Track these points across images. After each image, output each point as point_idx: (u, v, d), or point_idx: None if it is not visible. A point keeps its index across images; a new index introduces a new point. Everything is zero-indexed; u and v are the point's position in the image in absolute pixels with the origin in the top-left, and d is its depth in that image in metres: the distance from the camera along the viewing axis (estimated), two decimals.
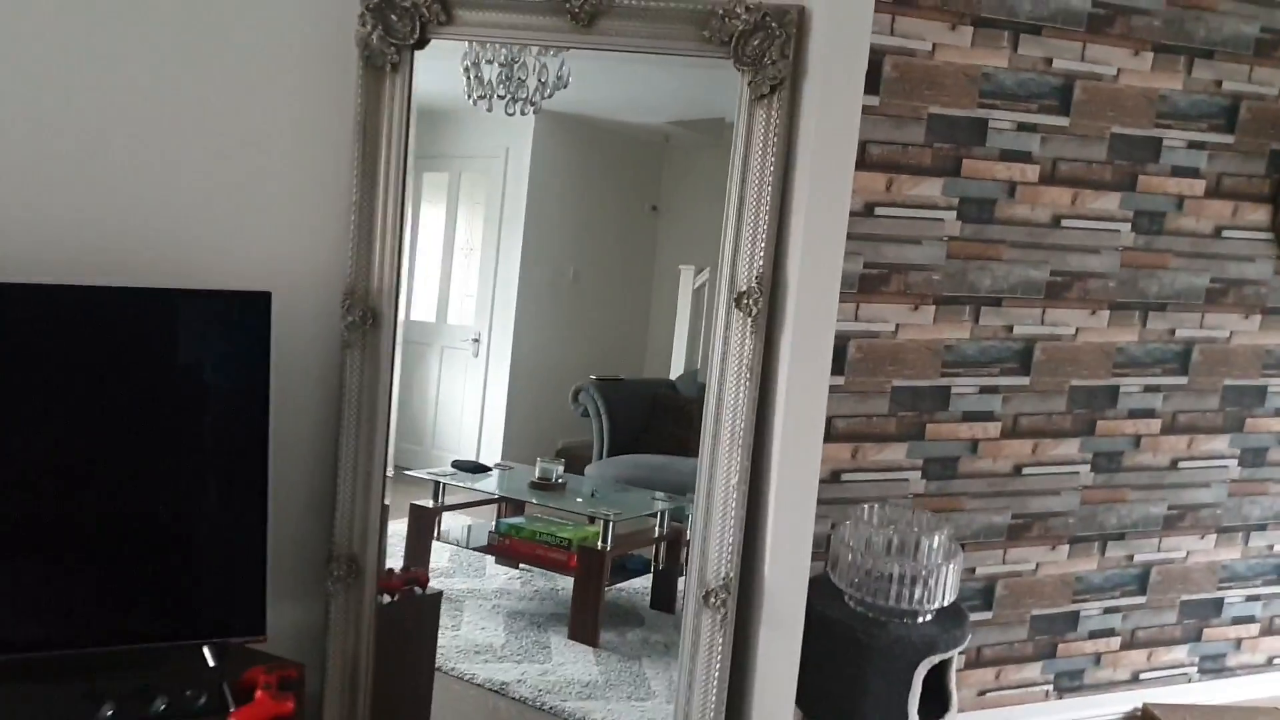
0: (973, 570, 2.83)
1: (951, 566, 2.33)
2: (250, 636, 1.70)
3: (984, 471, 2.78)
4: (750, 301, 2.05)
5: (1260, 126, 2.89)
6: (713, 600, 2.07)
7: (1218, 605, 3.18)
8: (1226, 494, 3.11)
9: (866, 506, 2.47)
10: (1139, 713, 3.05)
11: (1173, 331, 2.92)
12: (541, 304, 3.33)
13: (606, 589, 3.00)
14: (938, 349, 2.66)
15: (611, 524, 2.96)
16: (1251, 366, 3.05)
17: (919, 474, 2.72)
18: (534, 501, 3.14)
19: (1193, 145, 2.82)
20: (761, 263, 2.05)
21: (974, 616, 2.84)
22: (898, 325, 2.60)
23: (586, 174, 3.26)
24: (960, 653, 2.38)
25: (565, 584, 3.04)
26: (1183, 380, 2.96)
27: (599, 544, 2.98)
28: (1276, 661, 3.31)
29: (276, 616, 1.79)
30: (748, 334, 2.06)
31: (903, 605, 2.31)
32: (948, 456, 2.74)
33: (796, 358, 2.06)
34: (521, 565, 3.21)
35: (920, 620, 2.32)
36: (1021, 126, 2.62)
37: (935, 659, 2.29)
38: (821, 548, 2.55)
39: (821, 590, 2.40)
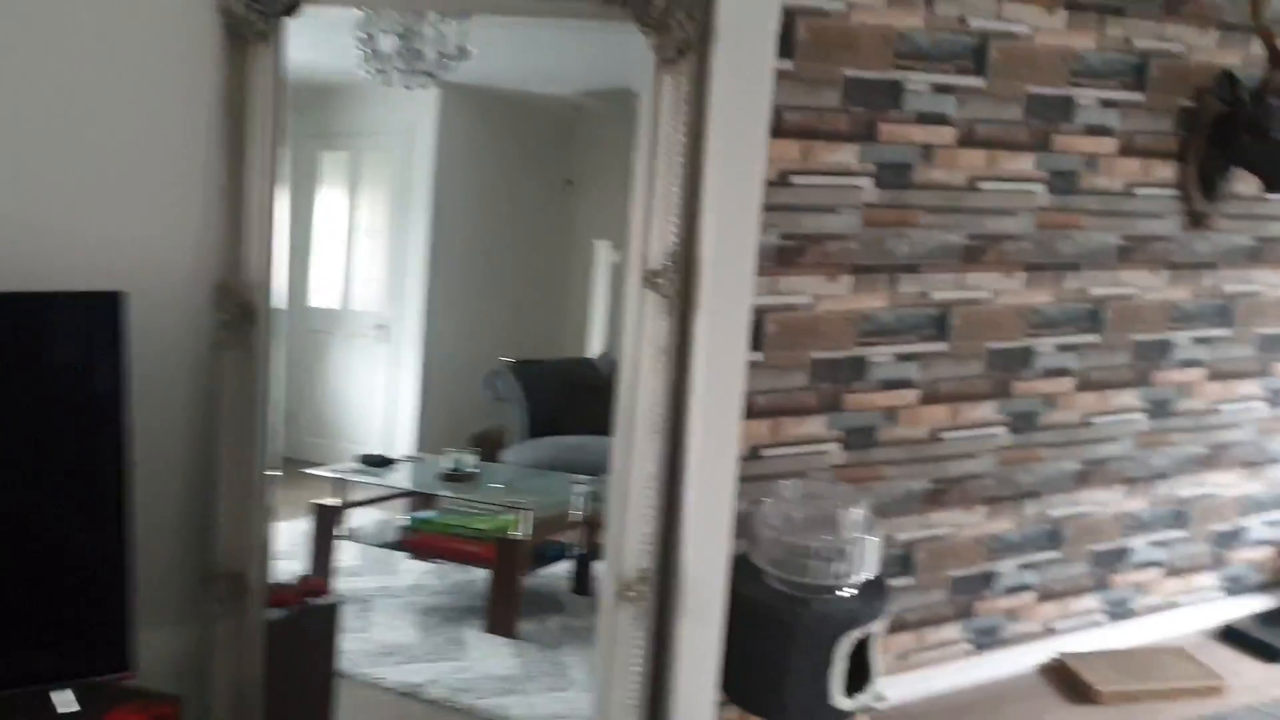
0: (893, 537, 2.82)
1: (872, 539, 2.30)
2: (116, 673, 1.56)
3: (903, 439, 2.76)
4: (663, 280, 1.95)
5: (1169, 84, 2.88)
6: (630, 593, 2.00)
7: (1125, 553, 3.26)
8: (1134, 446, 3.16)
9: (786, 482, 2.43)
10: (1054, 663, 3.12)
11: (1086, 291, 2.92)
12: (452, 286, 3.15)
13: (525, 578, 2.92)
14: (855, 319, 2.61)
15: (529, 513, 2.86)
16: (1159, 321, 3.09)
17: (839, 445, 2.68)
18: (446, 494, 3.02)
19: (1105, 104, 2.80)
20: (674, 239, 1.95)
21: (894, 582, 2.84)
22: (816, 297, 2.54)
23: (496, 149, 3.08)
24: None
25: (482, 576, 2.94)
26: (1095, 338, 2.98)
27: (515, 534, 2.88)
28: (1176, 601, 3.42)
29: (150, 647, 1.65)
30: (661, 315, 1.97)
31: (824, 581, 2.28)
32: (867, 426, 2.70)
33: (714, 338, 1.97)
34: (435, 560, 3.09)
35: (842, 595, 2.30)
36: (938, 88, 2.55)
37: (858, 633, 2.27)
38: (742, 525, 2.49)
39: (742, 570, 2.35)
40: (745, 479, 2.50)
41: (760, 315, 2.46)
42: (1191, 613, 3.43)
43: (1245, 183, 3.03)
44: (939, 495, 2.86)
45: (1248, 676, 3.12)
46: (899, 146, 2.55)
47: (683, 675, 2.08)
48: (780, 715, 2.31)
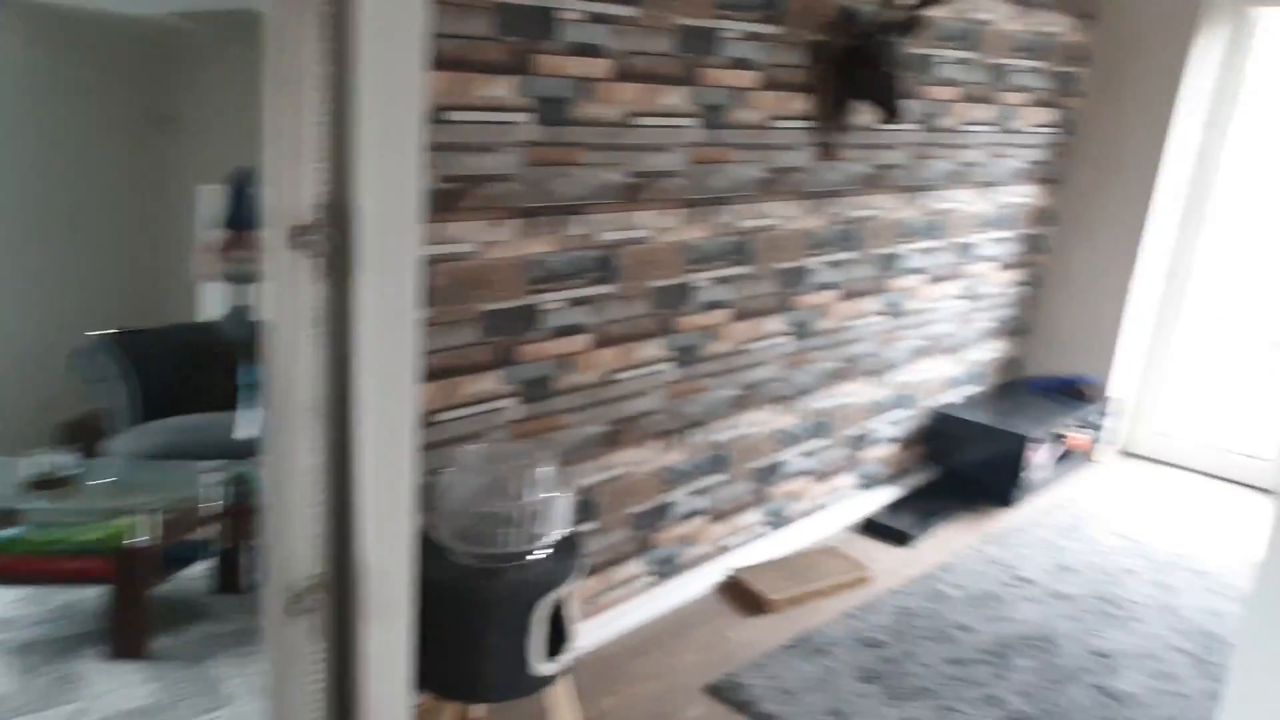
0: (576, 484, 2.77)
1: (561, 496, 2.21)
2: None
3: (578, 385, 2.69)
4: (314, 237, 1.67)
5: (801, 18, 2.98)
6: (302, 604, 1.74)
7: (779, 466, 3.48)
8: (782, 368, 3.36)
9: (466, 448, 2.25)
10: (728, 580, 3.28)
11: (735, 224, 3.00)
12: (14, 247, 2.49)
13: (154, 588, 2.44)
14: (524, 265, 2.46)
15: (150, 514, 2.39)
16: (797, 249, 3.26)
17: (516, 400, 2.54)
18: (36, 506, 2.44)
19: (747, 36, 2.84)
20: (324, 187, 1.66)
21: (581, 527, 2.80)
22: (482, 244, 2.35)
23: (65, 79, 2.44)
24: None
25: (97, 594, 2.41)
26: (745, 269, 3.08)
27: (136, 540, 2.39)
28: (824, 504, 3.74)
29: None
30: (315, 278, 1.68)
31: (516, 547, 2.15)
32: (543, 376, 2.59)
33: (380, 300, 1.72)
34: (29, 584, 2.49)
35: (536, 558, 2.19)
36: (592, 17, 2.42)
37: (555, 595, 2.18)
38: (421, 499, 2.29)
39: (425, 549, 2.16)
40: (420, 448, 2.30)
41: (426, 267, 2.23)
42: (836, 512, 3.77)
43: (864, 114, 3.26)
44: (616, 436, 2.84)
45: (886, 562, 3.49)
46: (556, 80, 2.40)
47: (372, 681, 1.86)
48: (480, 695, 2.18)
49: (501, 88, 2.28)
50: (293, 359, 1.71)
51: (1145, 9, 4.26)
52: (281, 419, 1.72)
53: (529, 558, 2.17)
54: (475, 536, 2.14)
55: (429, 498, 2.19)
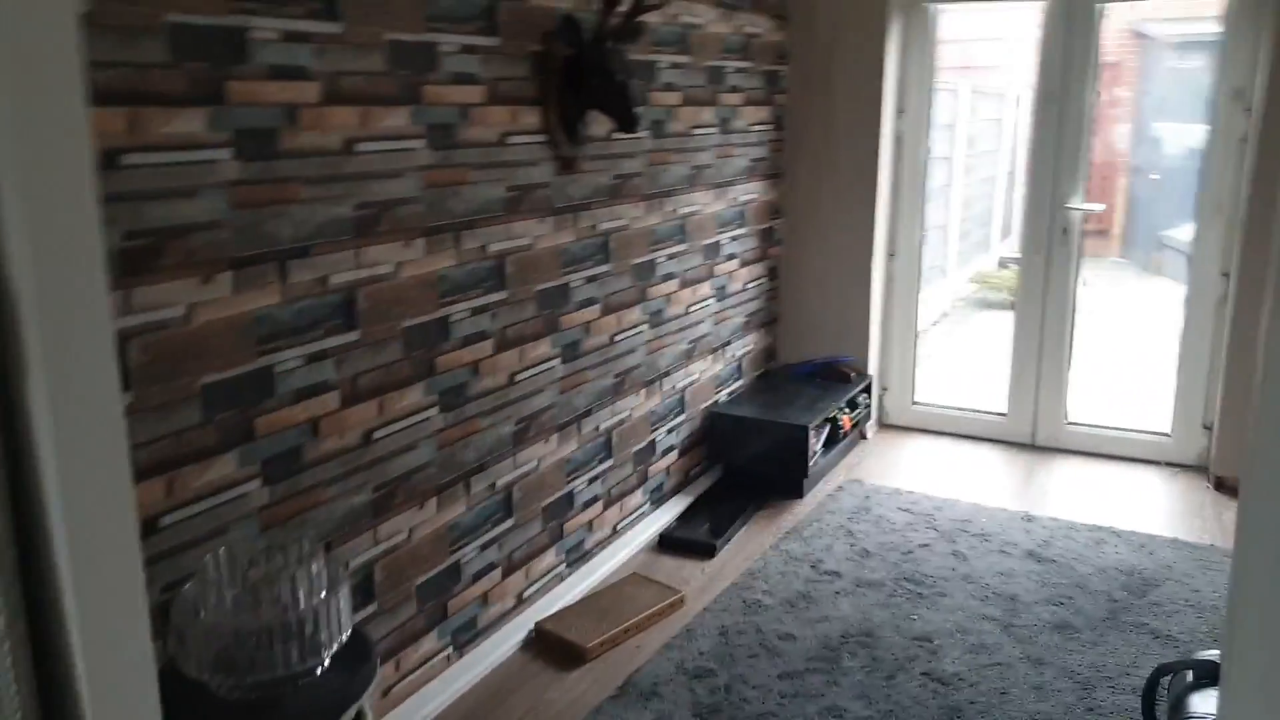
0: (346, 565, 2.42)
1: (341, 594, 1.87)
2: None
3: (333, 451, 2.35)
4: None
5: (519, 28, 2.80)
6: None
7: (570, 498, 3.28)
8: (557, 393, 3.16)
9: (211, 556, 1.86)
10: (534, 634, 3.03)
11: (484, 248, 2.77)
12: None
13: None
14: (247, 324, 2.09)
15: None
16: (554, 267, 3.08)
17: (259, 482, 2.17)
18: None
19: (466, 50, 2.62)
20: None
21: (359, 614, 2.45)
22: (189, 306, 1.96)
23: None
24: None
25: None
26: (503, 295, 2.86)
27: None
28: (618, 529, 3.58)
29: None
30: None
31: (294, 667, 1.80)
32: (289, 449, 2.23)
33: (64, 400, 1.33)
34: None
35: (319, 674, 1.84)
36: (288, 36, 2.10)
37: (353, 711, 1.84)
38: (155, 628, 1.87)
39: (173, 689, 1.75)
40: (145, 562, 1.88)
41: (118, 344, 1.82)
42: (632, 535, 3.62)
43: (599, 124, 3.13)
44: (387, 501, 2.52)
45: (694, 579, 3.37)
46: (257, 109, 2.06)
47: None
48: None
49: (190, 122, 1.92)
50: None
51: (830, 10, 4.46)
52: None
53: (312, 675, 1.82)
54: (235, 663, 1.76)
55: (166, 623, 1.79)
